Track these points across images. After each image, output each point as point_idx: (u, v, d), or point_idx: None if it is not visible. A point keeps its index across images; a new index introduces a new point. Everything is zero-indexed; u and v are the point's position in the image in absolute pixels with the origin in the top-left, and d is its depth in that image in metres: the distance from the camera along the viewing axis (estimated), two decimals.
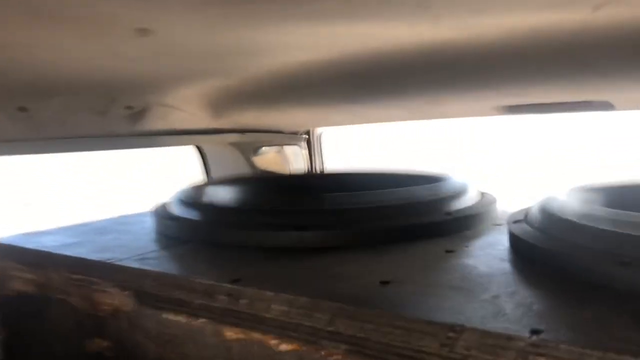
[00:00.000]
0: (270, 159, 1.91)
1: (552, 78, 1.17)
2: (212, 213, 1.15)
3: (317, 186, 1.48)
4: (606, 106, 1.28)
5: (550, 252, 0.84)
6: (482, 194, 1.31)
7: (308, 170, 1.92)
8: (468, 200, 1.21)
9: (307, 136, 1.91)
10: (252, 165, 1.86)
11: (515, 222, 1.01)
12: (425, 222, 1.07)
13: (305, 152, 1.93)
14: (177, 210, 1.20)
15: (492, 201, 1.25)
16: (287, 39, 1.05)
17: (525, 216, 1.03)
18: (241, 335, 0.79)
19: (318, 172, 1.88)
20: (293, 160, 1.96)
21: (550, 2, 0.85)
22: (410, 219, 1.06)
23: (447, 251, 0.97)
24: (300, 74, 1.33)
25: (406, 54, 1.12)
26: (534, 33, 0.98)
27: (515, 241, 0.95)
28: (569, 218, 0.88)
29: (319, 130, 1.96)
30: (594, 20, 0.90)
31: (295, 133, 1.90)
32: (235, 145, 1.83)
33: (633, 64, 1.09)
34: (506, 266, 0.87)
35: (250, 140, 1.83)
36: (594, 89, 1.22)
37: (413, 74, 1.22)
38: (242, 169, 1.86)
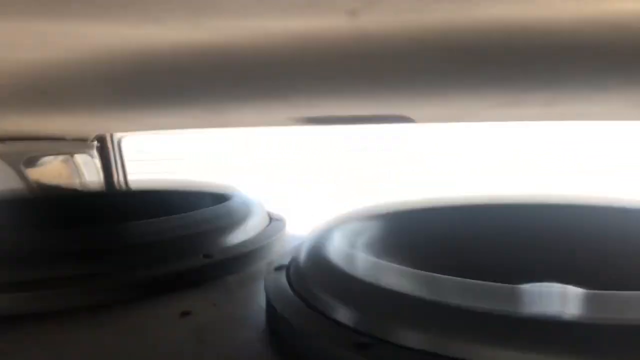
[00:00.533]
0: (52, 170, 1.59)
1: (340, 91, 1.01)
2: None
3: (65, 213, 1.21)
4: (404, 120, 1.16)
5: (286, 325, 0.65)
6: (271, 220, 1.12)
7: (101, 183, 1.63)
8: (244, 232, 1.01)
9: (99, 143, 1.62)
10: (27, 178, 1.54)
11: (278, 268, 0.82)
12: (170, 269, 0.85)
13: (98, 161, 1.64)
14: None
15: (278, 232, 1.06)
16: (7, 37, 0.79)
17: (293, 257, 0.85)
18: None
19: (93, 189, 1.59)
20: (86, 171, 1.66)
21: (293, 6, 0.66)
22: (152, 267, 0.84)
23: (183, 313, 0.76)
24: (55, 75, 1.05)
25: (162, 57, 0.90)
26: (300, 41, 0.80)
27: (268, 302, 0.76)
28: (305, 270, 0.69)
29: (117, 135, 1.68)
30: (360, 28, 0.73)
31: (83, 140, 1.60)
32: (2, 155, 1.50)
33: (421, 77, 0.96)
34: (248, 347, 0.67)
35: (22, 149, 1.51)
36: (388, 103, 1.08)
37: (178, 79, 1.00)
38: (17, 183, 1.53)
